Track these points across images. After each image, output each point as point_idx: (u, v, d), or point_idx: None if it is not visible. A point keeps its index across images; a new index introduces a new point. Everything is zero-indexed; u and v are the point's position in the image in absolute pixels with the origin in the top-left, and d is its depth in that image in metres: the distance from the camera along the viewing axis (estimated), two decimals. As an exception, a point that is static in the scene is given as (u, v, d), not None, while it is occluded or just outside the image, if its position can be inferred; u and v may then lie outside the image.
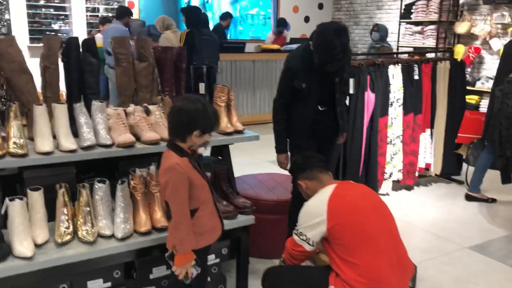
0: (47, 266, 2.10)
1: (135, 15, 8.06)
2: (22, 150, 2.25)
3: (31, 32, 7.30)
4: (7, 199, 2.13)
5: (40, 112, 2.38)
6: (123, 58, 2.88)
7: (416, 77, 4.45)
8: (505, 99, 3.39)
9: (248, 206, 2.69)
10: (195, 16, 5.88)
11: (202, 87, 3.21)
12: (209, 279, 2.62)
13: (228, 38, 8.81)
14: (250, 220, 2.67)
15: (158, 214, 2.43)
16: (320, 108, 2.94)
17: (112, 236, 2.30)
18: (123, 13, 6.58)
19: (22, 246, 2.08)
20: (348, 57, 3.08)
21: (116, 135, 2.50)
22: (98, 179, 2.38)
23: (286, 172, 2.99)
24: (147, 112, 2.69)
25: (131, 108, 2.68)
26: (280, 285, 2.33)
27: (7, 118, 2.36)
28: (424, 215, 4.09)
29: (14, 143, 2.27)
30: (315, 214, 2.20)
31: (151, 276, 2.44)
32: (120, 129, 2.54)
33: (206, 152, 3.09)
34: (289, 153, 3.09)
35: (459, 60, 7.22)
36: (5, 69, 2.55)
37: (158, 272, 2.45)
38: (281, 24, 8.90)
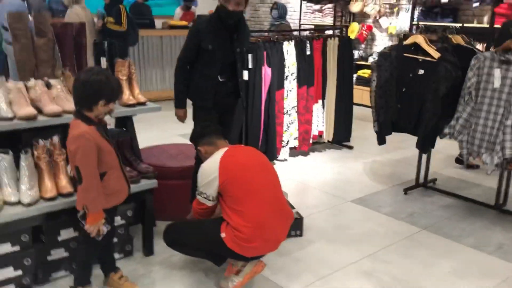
0: (-47, 233, 2.20)
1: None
2: None
3: None
4: None
5: None
6: (21, 33, 2.94)
7: (308, 52, 4.88)
8: (378, 70, 3.91)
9: (151, 171, 2.92)
10: None
11: (103, 62, 3.35)
12: (116, 240, 2.84)
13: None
14: (153, 183, 2.91)
15: (64, 181, 2.59)
16: (220, 79, 3.22)
17: (19, 202, 2.43)
18: (20, -14, 6.34)
19: None
20: (247, 32, 3.39)
21: (17, 108, 2.60)
22: (1, 149, 2.48)
23: (189, 141, 3.24)
24: (48, 86, 2.80)
25: (32, 82, 2.77)
26: (178, 238, 2.63)
27: None
28: (317, 177, 4.58)
29: None
30: (209, 172, 2.51)
31: (59, 238, 2.61)
32: (21, 102, 2.64)
33: (111, 125, 3.26)
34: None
35: (353, 37, 7.87)
36: None
37: (66, 234, 2.62)
38: None
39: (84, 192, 2.21)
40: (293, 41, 4.78)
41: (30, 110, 2.59)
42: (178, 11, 9.07)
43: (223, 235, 2.46)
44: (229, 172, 2.48)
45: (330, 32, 6.35)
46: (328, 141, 5.39)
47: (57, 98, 2.79)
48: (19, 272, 2.48)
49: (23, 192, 2.45)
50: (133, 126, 3.20)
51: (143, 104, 3.10)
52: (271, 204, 2.52)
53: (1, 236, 2.39)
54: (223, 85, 3.24)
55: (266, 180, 2.59)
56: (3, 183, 2.45)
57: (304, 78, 4.89)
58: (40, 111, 2.67)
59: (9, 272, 2.44)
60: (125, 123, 3.19)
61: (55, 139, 2.61)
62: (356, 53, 8.29)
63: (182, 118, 3.36)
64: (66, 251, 2.66)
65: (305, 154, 5.21)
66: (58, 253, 2.63)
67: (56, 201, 2.51)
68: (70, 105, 2.76)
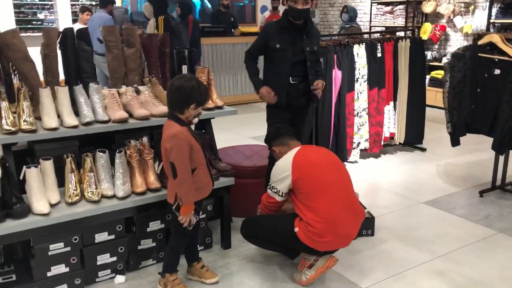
0: (61, 221, 2.52)
1: (118, 3, 8.33)
2: (32, 126, 2.65)
3: (17, 22, 7.54)
4: (24, 167, 2.54)
5: (45, 94, 2.77)
6: (113, 45, 3.26)
7: (379, 54, 4.90)
8: (451, 71, 3.87)
9: (228, 170, 3.13)
10: (164, 3, 6.36)
11: (184, 69, 3.62)
12: (197, 232, 3.07)
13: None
14: (230, 181, 3.11)
15: (152, 178, 2.85)
16: (291, 80, 3.37)
17: (114, 196, 2.73)
18: (106, 1, 6.89)
19: (39, 205, 2.50)
20: (317, 33, 3.52)
21: (112, 112, 2.91)
22: (99, 149, 2.79)
23: (262, 143, 3.42)
24: (137, 92, 3.10)
25: (123, 89, 3.08)
26: (254, 230, 2.81)
27: (17, 100, 2.75)
28: (388, 178, 4.59)
29: (25, 121, 2.67)
30: (282, 170, 2.67)
31: (148, 230, 2.88)
32: (114, 107, 2.95)
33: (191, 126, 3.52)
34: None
35: (426, 38, 7.72)
36: (11, 58, 2.93)
37: (154, 226, 2.89)
38: None
39: (178, 185, 2.45)
40: (363, 43, 4.82)
41: (123, 114, 2.88)
42: (267, 13, 9.31)
43: (296, 229, 2.60)
44: (302, 170, 2.63)
45: (401, 33, 6.29)
46: (400, 143, 5.36)
47: (145, 103, 3.08)
48: (114, 258, 2.78)
49: (118, 187, 2.74)
50: (211, 128, 3.43)
51: (220, 107, 3.33)
52: (342, 201, 2.63)
53: (100, 226, 2.70)
54: (294, 86, 3.39)
55: (337, 178, 2.70)
56: (101, 179, 2.76)
57: (375, 80, 4.92)
58: (130, 114, 2.97)
59: (106, 258, 2.75)
60: (204, 125, 3.42)
61: (145, 139, 2.89)
62: (429, 54, 8.11)
63: (267, 96, 3.32)
64: (153, 241, 2.92)
65: (376, 156, 5.23)
66: (147, 243, 2.90)
67: (145, 196, 2.78)
68: (156, 109, 3.05)
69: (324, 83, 3.45)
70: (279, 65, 3.35)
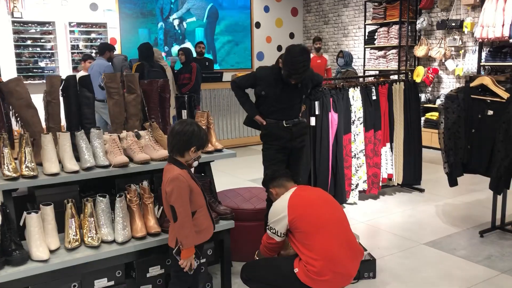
0: (60, 267, 2.49)
1: (118, 50, 8.52)
2: (33, 172, 2.68)
3: (18, 70, 7.69)
4: (25, 213, 2.53)
5: (47, 140, 2.81)
6: (114, 91, 3.33)
7: (374, 97, 5.00)
8: (445, 112, 3.95)
9: (229, 213, 3.12)
10: (146, 51, 6.68)
11: (184, 114, 3.68)
12: (197, 277, 3.03)
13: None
14: (231, 224, 3.10)
15: (151, 222, 2.85)
16: (285, 124, 3.45)
17: (113, 241, 2.71)
18: (104, 48, 7.06)
19: (39, 251, 2.48)
20: (311, 71, 3.61)
21: (112, 157, 2.93)
22: (100, 194, 2.80)
23: (260, 185, 3.44)
24: (138, 136, 3.14)
25: (124, 133, 3.13)
26: (255, 273, 2.79)
27: (19, 146, 2.78)
28: (387, 220, 4.58)
29: (27, 166, 2.70)
30: (279, 211, 2.70)
31: (148, 275, 2.84)
32: (115, 152, 2.98)
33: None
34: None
35: (419, 80, 7.91)
36: (14, 105, 2.99)
37: (154, 271, 2.85)
38: None
39: (179, 228, 2.44)
40: (358, 87, 4.94)
41: (124, 159, 2.91)
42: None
43: (296, 270, 2.59)
44: (297, 210, 2.66)
45: (395, 76, 6.45)
46: (398, 184, 5.38)
47: (145, 147, 3.11)
48: (113, 305, 2.72)
49: (118, 232, 2.72)
50: (211, 171, 3.46)
51: (220, 151, 3.37)
52: (339, 238, 2.63)
53: (99, 272, 2.66)
54: (288, 129, 3.46)
55: (334, 216, 2.72)
56: (101, 223, 2.75)
57: (371, 122, 5.00)
58: (131, 159, 3.00)
59: (105, 305, 2.70)
60: (204, 168, 3.45)
61: (145, 183, 2.90)
62: (423, 96, 8.27)
63: (261, 120, 3.56)
64: (153, 287, 2.88)
65: (375, 197, 5.23)
66: (146, 289, 2.86)
67: (145, 240, 2.77)
68: (156, 153, 3.08)
69: (305, 107, 3.72)
70: (269, 111, 3.48)
